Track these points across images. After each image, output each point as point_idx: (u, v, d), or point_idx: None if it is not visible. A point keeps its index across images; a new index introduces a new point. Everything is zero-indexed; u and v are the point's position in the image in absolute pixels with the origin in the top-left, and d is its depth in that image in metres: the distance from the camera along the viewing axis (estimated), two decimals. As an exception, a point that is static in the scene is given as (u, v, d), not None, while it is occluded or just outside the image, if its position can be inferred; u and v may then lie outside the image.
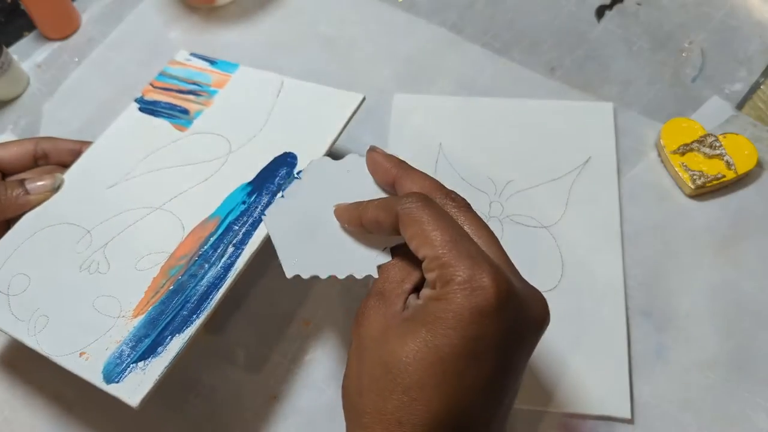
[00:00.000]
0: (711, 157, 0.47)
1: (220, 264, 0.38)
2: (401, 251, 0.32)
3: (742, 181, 0.47)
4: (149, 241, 0.40)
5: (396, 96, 0.53)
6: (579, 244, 0.45)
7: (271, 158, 0.42)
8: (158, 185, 0.42)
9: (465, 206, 0.31)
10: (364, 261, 0.33)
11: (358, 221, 0.32)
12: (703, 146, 0.47)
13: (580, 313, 0.43)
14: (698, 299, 0.44)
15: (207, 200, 0.41)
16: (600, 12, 0.56)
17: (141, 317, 0.36)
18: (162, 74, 0.49)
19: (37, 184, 0.42)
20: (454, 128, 0.51)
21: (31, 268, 0.40)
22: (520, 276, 0.30)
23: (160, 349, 0.35)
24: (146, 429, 0.43)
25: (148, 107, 0.47)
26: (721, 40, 0.54)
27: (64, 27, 0.59)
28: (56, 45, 0.59)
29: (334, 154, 0.37)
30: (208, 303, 0.36)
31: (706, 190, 0.47)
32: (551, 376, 0.42)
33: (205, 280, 0.37)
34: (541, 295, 0.30)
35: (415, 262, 0.30)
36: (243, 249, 0.38)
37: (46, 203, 0.42)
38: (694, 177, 0.46)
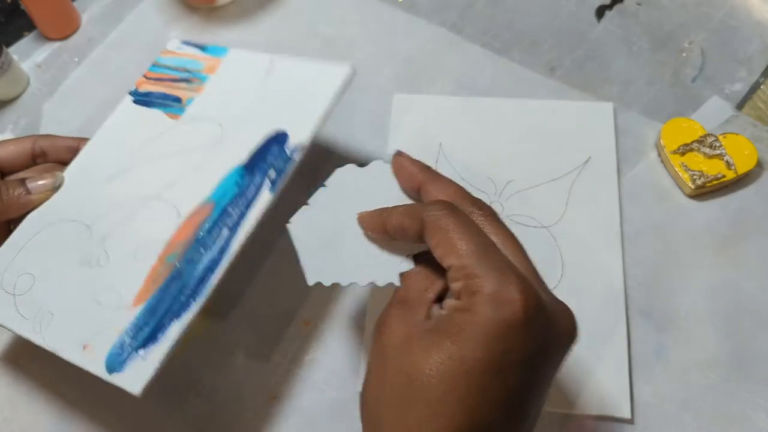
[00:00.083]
0: (711, 157, 0.47)
1: (216, 247, 0.38)
2: (424, 259, 0.32)
3: (742, 181, 0.47)
4: (147, 231, 0.40)
5: (396, 96, 0.53)
6: (579, 244, 0.45)
7: (263, 138, 0.42)
8: (154, 175, 0.43)
9: (491, 215, 0.30)
10: (387, 268, 0.33)
11: (382, 228, 0.32)
12: (703, 146, 0.47)
13: (580, 313, 0.43)
14: (698, 299, 0.44)
15: (202, 186, 0.41)
16: (600, 12, 0.56)
17: (141, 306, 0.37)
18: (155, 65, 0.49)
19: (38, 183, 0.42)
20: (454, 128, 0.51)
21: (35, 267, 0.40)
22: (548, 289, 0.29)
23: (159, 336, 0.35)
24: (146, 429, 0.43)
25: (143, 99, 0.47)
26: (721, 40, 0.54)
27: (64, 27, 0.59)
28: (56, 45, 0.59)
29: (358, 161, 0.37)
30: (205, 287, 0.36)
31: (706, 190, 0.47)
32: (551, 376, 0.42)
33: (202, 264, 0.37)
34: (569, 309, 0.29)
35: (439, 270, 0.30)
36: (237, 231, 0.38)
37: (48, 202, 0.43)
38: (694, 177, 0.46)
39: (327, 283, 0.33)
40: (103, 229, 0.41)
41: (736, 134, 0.48)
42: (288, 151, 0.40)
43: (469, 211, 0.30)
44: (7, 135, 0.54)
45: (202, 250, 0.38)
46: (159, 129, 0.45)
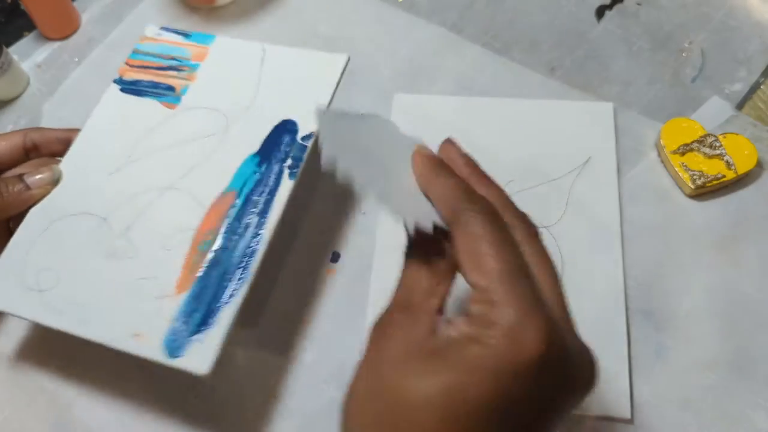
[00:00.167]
0: (711, 157, 0.47)
1: (249, 234, 0.39)
2: (431, 247, 0.28)
3: (742, 181, 0.47)
4: (170, 221, 0.41)
5: (396, 96, 0.53)
6: (579, 244, 0.45)
7: (270, 127, 0.43)
8: (164, 165, 0.43)
9: (534, 234, 0.27)
10: (417, 208, 0.28)
11: (428, 178, 0.29)
12: (703, 146, 0.47)
13: (580, 313, 0.43)
14: (698, 299, 0.44)
15: (218, 174, 0.42)
16: (600, 12, 0.56)
17: (185, 293, 0.38)
18: (135, 52, 0.49)
19: (37, 177, 0.42)
20: (454, 128, 0.51)
21: (55, 262, 0.40)
22: (574, 330, 0.26)
23: (212, 320, 0.36)
24: (146, 429, 0.43)
25: (131, 87, 0.47)
26: (720, 40, 0.54)
27: (64, 27, 0.59)
28: (56, 45, 0.59)
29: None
30: (247, 272, 0.38)
31: (706, 190, 0.47)
32: (551, 376, 0.42)
33: (238, 251, 0.39)
34: (592, 354, 0.26)
35: (447, 269, 0.27)
36: (267, 217, 0.39)
37: (49, 196, 0.42)
38: (694, 177, 0.46)
39: (342, 168, 0.28)
40: (121, 221, 0.41)
41: (736, 134, 0.48)
42: (300, 140, 0.42)
43: (512, 224, 0.27)
44: (7, 135, 0.54)
45: (235, 237, 0.39)
46: (157, 119, 0.45)
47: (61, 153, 0.44)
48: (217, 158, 0.43)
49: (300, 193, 0.41)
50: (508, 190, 0.48)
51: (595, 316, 0.43)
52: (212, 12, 0.59)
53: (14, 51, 0.58)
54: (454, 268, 0.27)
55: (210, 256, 0.39)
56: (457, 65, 0.54)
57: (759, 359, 0.42)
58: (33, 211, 0.42)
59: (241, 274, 0.38)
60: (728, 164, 0.46)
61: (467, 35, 0.56)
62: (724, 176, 0.46)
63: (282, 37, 0.57)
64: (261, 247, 0.38)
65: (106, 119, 0.46)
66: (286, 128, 0.43)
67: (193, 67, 0.47)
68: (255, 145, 0.42)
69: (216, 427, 0.42)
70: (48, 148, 0.45)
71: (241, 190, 0.41)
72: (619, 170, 0.48)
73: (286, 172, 0.41)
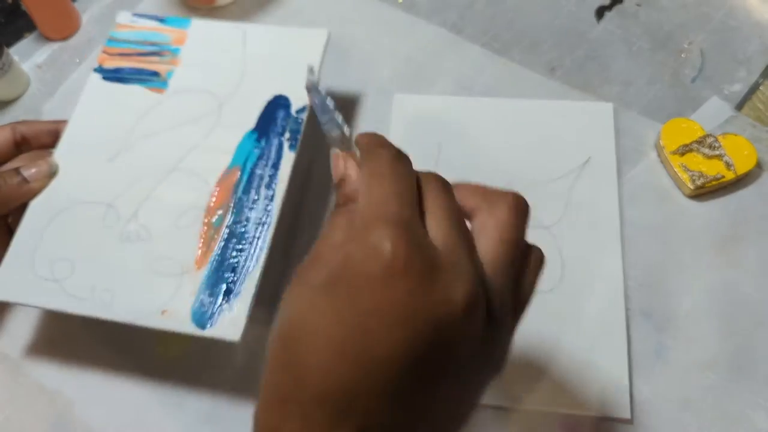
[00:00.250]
0: (710, 157, 0.47)
1: (260, 206, 0.41)
2: None
3: (741, 181, 0.47)
4: (179, 201, 0.42)
5: (396, 96, 0.53)
6: (579, 244, 0.46)
7: (262, 103, 0.45)
8: (163, 148, 0.44)
9: (437, 181, 0.27)
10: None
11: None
12: (703, 147, 0.47)
13: (580, 313, 0.44)
14: (698, 299, 0.44)
15: (219, 153, 0.43)
16: (600, 12, 0.57)
17: (204, 267, 0.39)
18: (111, 40, 0.49)
19: (33, 170, 0.42)
20: (454, 128, 0.51)
21: (68, 251, 0.41)
22: (456, 242, 0.25)
23: (237, 289, 0.38)
24: (145, 428, 0.43)
25: (113, 75, 0.48)
26: (720, 41, 0.54)
27: (65, 27, 0.59)
28: (56, 45, 0.59)
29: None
30: (264, 241, 0.40)
31: (705, 191, 0.47)
32: (551, 376, 0.42)
33: (251, 223, 0.40)
34: (473, 275, 0.24)
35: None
36: (274, 188, 0.41)
37: (48, 188, 0.43)
38: (694, 177, 0.46)
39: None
40: (129, 206, 0.42)
41: (736, 135, 0.48)
42: (295, 113, 0.44)
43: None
44: (8, 135, 0.54)
45: (246, 210, 0.41)
46: (147, 104, 0.46)
47: (51, 145, 0.45)
48: (215, 137, 0.44)
49: (302, 167, 0.43)
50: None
51: (595, 316, 0.43)
52: (212, 12, 0.59)
53: (15, 51, 0.58)
54: None
55: (225, 230, 0.40)
56: (457, 65, 0.54)
57: (759, 359, 0.42)
58: (33, 205, 0.42)
59: (260, 243, 0.40)
60: (728, 165, 0.46)
61: (467, 35, 0.56)
62: (723, 176, 0.46)
63: (282, 38, 0.57)
64: (273, 218, 0.40)
65: (92, 108, 0.46)
66: (279, 103, 0.45)
67: (175, 52, 0.48)
68: (251, 122, 0.44)
69: (216, 427, 0.42)
70: (38, 141, 0.45)
71: (244, 165, 0.43)
72: (619, 170, 0.48)
73: (286, 144, 0.43)
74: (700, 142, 0.48)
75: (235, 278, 0.39)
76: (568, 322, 0.43)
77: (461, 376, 0.25)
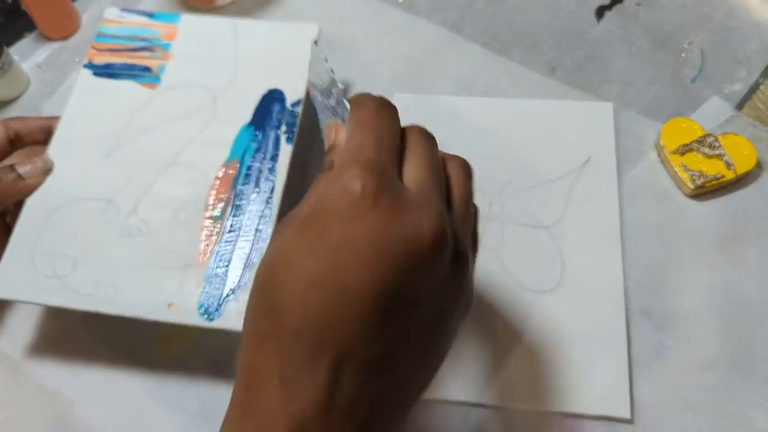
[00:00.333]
0: (710, 157, 0.47)
1: (260, 198, 0.41)
2: None
3: (741, 181, 0.47)
4: (178, 194, 0.42)
5: (396, 96, 0.53)
6: (579, 244, 0.45)
7: (257, 97, 0.45)
8: (160, 142, 0.44)
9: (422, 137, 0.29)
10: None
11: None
12: (703, 146, 0.47)
13: (580, 313, 0.44)
14: (698, 299, 0.44)
15: (216, 146, 0.44)
16: (600, 12, 0.57)
17: (209, 260, 0.40)
18: (100, 35, 0.49)
19: (29, 167, 0.42)
20: (454, 128, 0.51)
21: (68, 247, 0.41)
22: (426, 183, 0.27)
23: (242, 281, 0.39)
24: (145, 428, 0.43)
25: (104, 71, 0.48)
26: (720, 41, 0.54)
27: (65, 27, 0.59)
28: (56, 45, 0.59)
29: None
30: (266, 233, 0.40)
31: (705, 190, 0.47)
32: (551, 376, 0.42)
33: (252, 215, 0.41)
34: (441, 213, 0.26)
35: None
36: (273, 181, 0.42)
37: (45, 185, 0.43)
38: (694, 177, 0.46)
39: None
40: (127, 201, 0.42)
41: (736, 134, 0.48)
42: (290, 107, 0.45)
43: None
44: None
45: (246, 203, 0.41)
46: (140, 99, 0.46)
47: (44, 142, 0.45)
48: (211, 132, 0.44)
49: (299, 159, 0.43)
50: (508, 190, 0.48)
51: (595, 316, 0.43)
52: (212, 12, 0.59)
53: (14, 51, 0.58)
54: None
55: (227, 223, 0.41)
56: (457, 65, 0.54)
57: (759, 359, 0.42)
58: (30, 202, 0.42)
59: (262, 235, 0.40)
60: (728, 164, 0.46)
61: (467, 35, 0.56)
62: (723, 176, 0.46)
63: (282, 37, 0.57)
64: (274, 210, 0.41)
65: (85, 104, 0.46)
66: (273, 97, 0.45)
67: (166, 47, 0.48)
68: (246, 116, 0.45)
69: (215, 427, 0.42)
70: (31, 137, 0.45)
71: (242, 158, 0.43)
72: (619, 170, 0.48)
73: (283, 137, 0.43)
74: (700, 141, 0.48)
75: (241, 270, 0.39)
76: (568, 322, 0.43)
77: (432, 308, 0.26)
